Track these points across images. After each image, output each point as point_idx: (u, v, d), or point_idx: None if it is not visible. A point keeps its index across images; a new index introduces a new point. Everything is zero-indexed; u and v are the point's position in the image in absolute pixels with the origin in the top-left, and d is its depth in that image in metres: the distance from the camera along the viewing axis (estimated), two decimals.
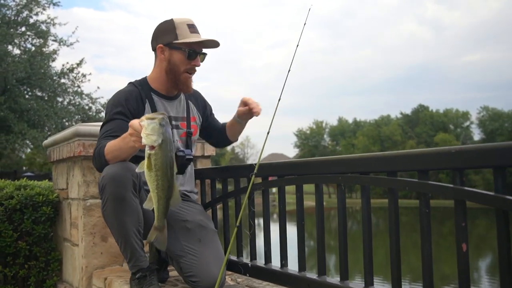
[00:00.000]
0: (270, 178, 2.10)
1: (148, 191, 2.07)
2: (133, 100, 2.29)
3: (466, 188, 1.31)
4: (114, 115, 2.24)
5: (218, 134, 2.66)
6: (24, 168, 34.99)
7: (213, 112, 2.71)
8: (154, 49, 2.37)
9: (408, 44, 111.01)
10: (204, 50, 2.37)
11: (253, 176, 1.92)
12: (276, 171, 2.02)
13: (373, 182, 1.58)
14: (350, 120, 71.20)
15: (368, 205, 1.64)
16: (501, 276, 1.23)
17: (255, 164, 1.99)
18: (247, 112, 2.41)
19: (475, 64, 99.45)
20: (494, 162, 1.24)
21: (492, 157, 1.24)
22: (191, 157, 2.34)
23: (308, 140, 70.83)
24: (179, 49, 2.28)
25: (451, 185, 1.34)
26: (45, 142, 3.71)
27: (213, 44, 2.36)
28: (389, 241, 1.53)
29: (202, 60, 2.36)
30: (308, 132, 71.46)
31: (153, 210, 1.89)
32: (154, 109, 2.32)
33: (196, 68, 2.35)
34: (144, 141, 1.75)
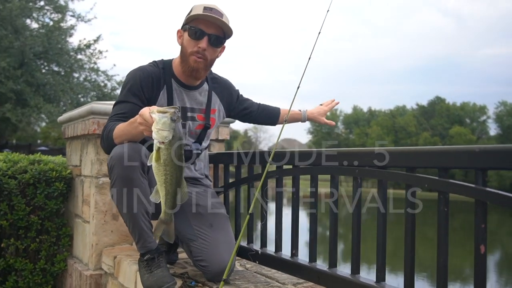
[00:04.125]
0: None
1: None
2: (149, 84, 2.22)
3: (488, 189, 1.27)
4: (129, 97, 2.19)
5: (256, 116, 2.65)
6: (38, 141, 35.39)
7: (241, 94, 2.63)
8: None
9: (428, 35, 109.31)
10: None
11: (268, 163, 1.89)
12: (291, 160, 1.98)
13: (391, 177, 1.54)
14: (365, 109, 70.64)
15: (385, 200, 1.60)
16: None
17: (271, 151, 1.96)
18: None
19: (495, 58, 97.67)
20: None
21: None
22: (199, 151, 2.33)
23: (322, 127, 70.43)
24: (186, 30, 2.21)
25: (473, 185, 1.30)
26: (60, 118, 3.72)
27: (224, 25, 2.19)
28: (404, 239, 1.50)
29: (215, 45, 2.20)
30: None
31: (159, 202, 1.89)
32: (170, 98, 2.26)
33: (208, 54, 2.18)
34: (154, 135, 1.75)
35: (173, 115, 1.76)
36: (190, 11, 2.23)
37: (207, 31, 2.17)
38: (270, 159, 1.90)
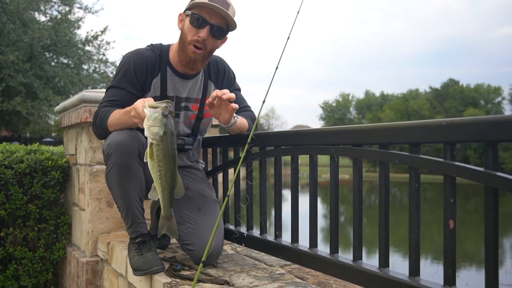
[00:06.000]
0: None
1: None
2: (144, 70, 2.17)
3: (456, 163, 1.24)
4: (123, 83, 2.16)
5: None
6: (53, 134, 35.80)
7: (238, 88, 2.43)
8: None
9: (441, 17, 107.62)
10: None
11: (247, 145, 1.88)
12: (272, 141, 1.97)
13: (364, 154, 1.52)
14: (377, 94, 70.09)
15: (360, 177, 1.58)
16: (486, 256, 1.17)
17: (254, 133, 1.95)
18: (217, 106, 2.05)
19: (509, 38, 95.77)
20: (486, 136, 1.16)
21: (484, 131, 1.16)
22: (190, 147, 2.31)
23: (334, 112, 70.19)
24: (189, 15, 2.09)
25: (441, 160, 1.27)
26: (56, 108, 3.74)
27: (228, 18, 2.08)
28: (378, 215, 1.48)
29: (216, 36, 2.10)
30: (334, 104, 70.74)
31: (158, 199, 1.90)
32: (163, 86, 2.21)
33: (208, 44, 2.08)
34: (146, 132, 1.74)
35: (165, 110, 1.74)
36: None
37: (209, 21, 2.06)
38: (249, 140, 1.88)
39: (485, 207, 1.18)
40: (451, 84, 61.54)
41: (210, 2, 2.02)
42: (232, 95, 2.01)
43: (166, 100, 1.81)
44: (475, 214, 18.41)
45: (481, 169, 1.17)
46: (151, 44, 2.28)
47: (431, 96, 61.38)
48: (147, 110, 1.75)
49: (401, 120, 55.42)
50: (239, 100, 2.37)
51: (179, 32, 2.17)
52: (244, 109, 2.38)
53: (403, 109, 59.71)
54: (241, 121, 2.19)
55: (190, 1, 2.12)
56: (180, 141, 2.25)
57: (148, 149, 1.78)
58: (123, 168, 2.02)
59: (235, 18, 2.11)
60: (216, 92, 2.00)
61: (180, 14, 2.17)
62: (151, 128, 1.73)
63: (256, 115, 2.16)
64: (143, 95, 2.19)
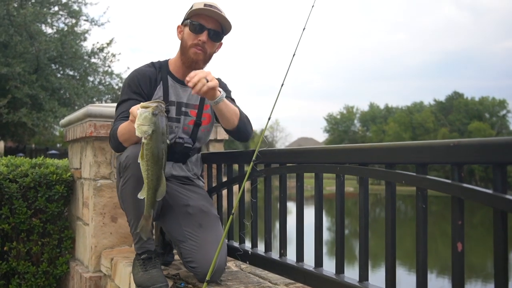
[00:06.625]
0: None
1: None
2: (146, 81, 2.30)
3: (464, 184, 1.22)
4: (130, 94, 2.27)
5: None
6: (58, 145, 35.91)
7: (233, 98, 2.50)
8: None
9: (445, 29, 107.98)
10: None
11: (252, 163, 1.87)
12: (277, 159, 1.96)
13: (370, 173, 1.51)
14: (382, 106, 70.05)
15: (366, 197, 1.57)
16: (495, 277, 1.15)
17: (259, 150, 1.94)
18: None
19: None
20: (495, 158, 1.15)
21: (493, 153, 1.15)
22: (190, 145, 2.30)
23: (338, 125, 70.15)
24: (187, 24, 2.27)
25: (449, 181, 1.26)
26: (62, 121, 3.75)
27: (223, 20, 2.25)
28: (385, 233, 1.46)
29: (214, 39, 2.27)
30: (338, 117, 70.73)
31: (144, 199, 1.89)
32: (166, 93, 2.32)
33: (207, 47, 2.24)
34: (136, 132, 1.75)
35: (155, 109, 1.76)
36: (191, 7, 2.30)
37: (207, 26, 2.24)
38: (254, 157, 1.87)
39: (494, 230, 1.16)
40: (456, 97, 61.43)
41: (206, 8, 2.22)
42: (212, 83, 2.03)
43: (157, 100, 1.84)
44: (481, 228, 18.28)
45: (490, 191, 1.15)
46: (151, 62, 2.43)
47: (435, 109, 61.26)
48: (139, 110, 1.78)
49: (406, 133, 55.49)
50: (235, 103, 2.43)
51: (180, 42, 2.34)
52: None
53: (407, 122, 59.57)
54: (229, 104, 2.19)
55: (187, 12, 2.30)
56: (180, 140, 2.26)
57: (140, 150, 1.79)
58: (140, 180, 2.02)
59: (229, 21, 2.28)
60: (187, 78, 2.03)
61: (178, 26, 2.36)
62: (141, 127, 1.75)
63: (262, 129, 2.16)
64: None
